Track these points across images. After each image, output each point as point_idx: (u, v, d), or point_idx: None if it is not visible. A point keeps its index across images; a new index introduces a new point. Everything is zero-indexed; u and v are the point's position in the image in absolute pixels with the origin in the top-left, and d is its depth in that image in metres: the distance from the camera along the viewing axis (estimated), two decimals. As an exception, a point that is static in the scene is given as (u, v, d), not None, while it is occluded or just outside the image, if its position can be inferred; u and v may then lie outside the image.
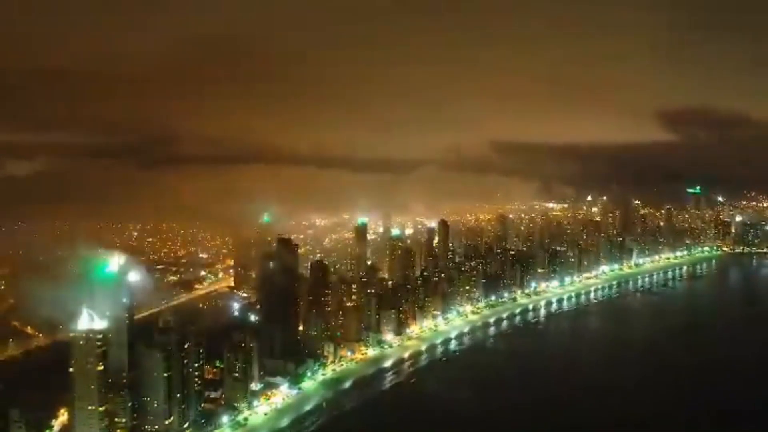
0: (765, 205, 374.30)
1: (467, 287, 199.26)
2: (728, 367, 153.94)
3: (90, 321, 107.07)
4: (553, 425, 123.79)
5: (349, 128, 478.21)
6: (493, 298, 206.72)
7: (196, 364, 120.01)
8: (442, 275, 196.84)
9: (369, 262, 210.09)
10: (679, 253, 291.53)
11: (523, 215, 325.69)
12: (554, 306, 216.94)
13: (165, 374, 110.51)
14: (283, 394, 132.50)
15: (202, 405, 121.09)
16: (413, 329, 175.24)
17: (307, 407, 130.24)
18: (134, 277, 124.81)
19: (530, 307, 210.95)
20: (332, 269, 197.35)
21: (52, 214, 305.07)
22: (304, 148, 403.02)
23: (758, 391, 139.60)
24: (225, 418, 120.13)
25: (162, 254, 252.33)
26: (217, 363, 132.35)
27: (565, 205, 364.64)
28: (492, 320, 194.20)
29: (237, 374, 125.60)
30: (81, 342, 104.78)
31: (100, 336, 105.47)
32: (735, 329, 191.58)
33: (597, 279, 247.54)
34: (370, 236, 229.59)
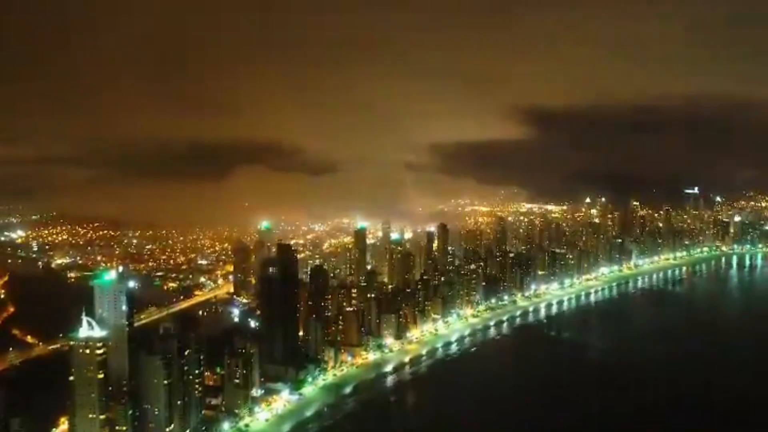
0: (763, 204, 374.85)
1: (467, 290, 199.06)
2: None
3: (90, 329, 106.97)
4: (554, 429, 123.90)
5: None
6: (493, 301, 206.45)
7: (197, 371, 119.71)
8: (442, 279, 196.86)
9: (369, 267, 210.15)
10: (678, 254, 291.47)
11: (522, 217, 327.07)
12: (554, 308, 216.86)
13: (165, 381, 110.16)
14: (284, 399, 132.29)
15: (202, 412, 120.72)
16: (413, 333, 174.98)
17: (308, 413, 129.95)
18: (134, 284, 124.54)
19: (530, 309, 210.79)
20: (332, 274, 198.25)
21: (51, 222, 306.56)
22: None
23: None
24: (226, 425, 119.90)
25: (162, 261, 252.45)
26: (218, 369, 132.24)
27: (564, 207, 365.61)
28: (492, 323, 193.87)
29: (238, 380, 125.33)
30: (81, 350, 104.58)
31: (100, 344, 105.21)
32: (734, 333, 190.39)
33: (597, 281, 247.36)
34: (369, 240, 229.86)
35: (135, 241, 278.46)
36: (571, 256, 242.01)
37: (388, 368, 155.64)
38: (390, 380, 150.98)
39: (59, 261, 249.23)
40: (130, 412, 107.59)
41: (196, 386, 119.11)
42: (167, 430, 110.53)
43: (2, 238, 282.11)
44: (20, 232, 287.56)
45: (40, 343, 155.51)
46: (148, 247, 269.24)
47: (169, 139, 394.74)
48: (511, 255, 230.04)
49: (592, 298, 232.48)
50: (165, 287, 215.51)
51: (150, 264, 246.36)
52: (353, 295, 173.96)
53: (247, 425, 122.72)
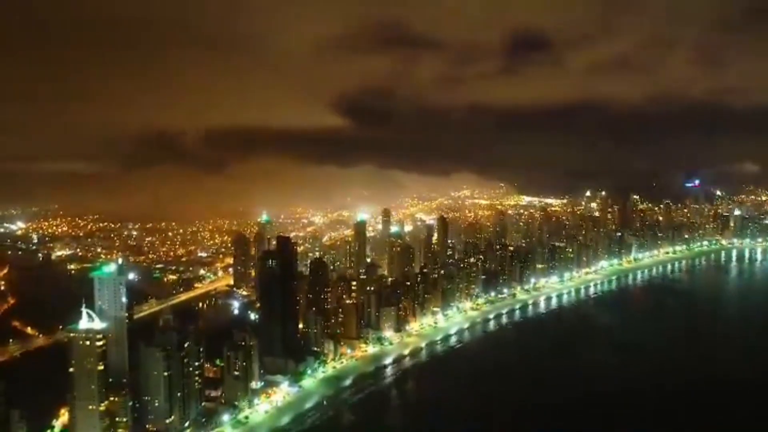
0: (763, 198, 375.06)
1: (466, 284, 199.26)
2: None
3: (90, 321, 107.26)
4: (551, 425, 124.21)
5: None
6: (492, 294, 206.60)
7: (197, 363, 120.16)
8: (442, 272, 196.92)
9: (368, 260, 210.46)
10: (678, 248, 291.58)
11: (522, 211, 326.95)
12: (554, 302, 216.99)
13: (165, 373, 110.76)
14: (283, 392, 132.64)
15: (202, 404, 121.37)
16: (413, 326, 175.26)
17: (308, 405, 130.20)
18: (134, 276, 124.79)
19: (530, 302, 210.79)
20: (332, 267, 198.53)
21: (51, 215, 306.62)
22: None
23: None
24: (225, 417, 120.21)
25: (162, 253, 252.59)
26: (218, 362, 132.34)
27: (564, 201, 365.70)
28: (491, 316, 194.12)
29: (237, 373, 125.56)
30: (81, 342, 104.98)
31: (100, 335, 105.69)
32: (734, 334, 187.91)
33: (596, 274, 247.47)
34: (369, 233, 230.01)
35: (135, 233, 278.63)
36: (570, 250, 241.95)
37: (388, 361, 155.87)
38: (389, 373, 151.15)
39: (59, 253, 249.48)
40: (130, 403, 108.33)
41: (196, 378, 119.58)
42: (167, 421, 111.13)
43: (2, 230, 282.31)
44: (20, 224, 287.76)
45: (40, 335, 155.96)
46: (148, 239, 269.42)
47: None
48: (511, 248, 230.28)
49: (592, 291, 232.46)
50: (165, 279, 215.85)
51: (150, 256, 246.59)
52: (353, 287, 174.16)
53: (246, 417, 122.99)
